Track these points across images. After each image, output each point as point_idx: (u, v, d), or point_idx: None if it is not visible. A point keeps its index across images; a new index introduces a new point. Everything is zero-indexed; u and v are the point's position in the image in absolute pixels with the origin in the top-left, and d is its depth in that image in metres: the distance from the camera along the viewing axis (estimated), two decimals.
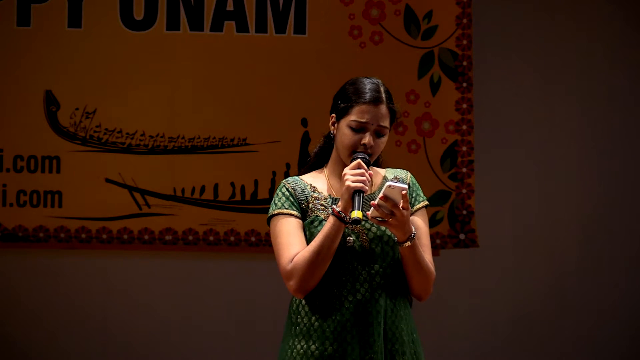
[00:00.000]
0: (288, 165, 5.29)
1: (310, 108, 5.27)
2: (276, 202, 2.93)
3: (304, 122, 5.30)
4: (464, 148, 5.31)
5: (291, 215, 2.90)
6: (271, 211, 2.93)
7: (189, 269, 5.36)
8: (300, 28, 5.32)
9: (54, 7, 5.25)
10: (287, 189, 2.94)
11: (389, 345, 2.87)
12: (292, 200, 2.92)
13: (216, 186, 5.28)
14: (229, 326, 5.37)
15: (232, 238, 5.26)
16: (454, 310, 5.50)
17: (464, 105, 5.31)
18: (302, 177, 3.01)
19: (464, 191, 5.30)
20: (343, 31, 5.32)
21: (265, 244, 5.25)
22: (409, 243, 2.81)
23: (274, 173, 5.29)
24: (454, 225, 5.29)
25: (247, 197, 5.28)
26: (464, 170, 5.31)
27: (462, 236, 5.29)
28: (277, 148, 5.29)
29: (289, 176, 5.20)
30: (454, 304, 5.48)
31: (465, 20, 5.33)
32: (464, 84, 5.32)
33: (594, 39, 5.62)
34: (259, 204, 5.27)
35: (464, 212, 5.29)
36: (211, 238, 5.26)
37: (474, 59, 5.34)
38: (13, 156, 5.23)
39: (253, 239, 5.26)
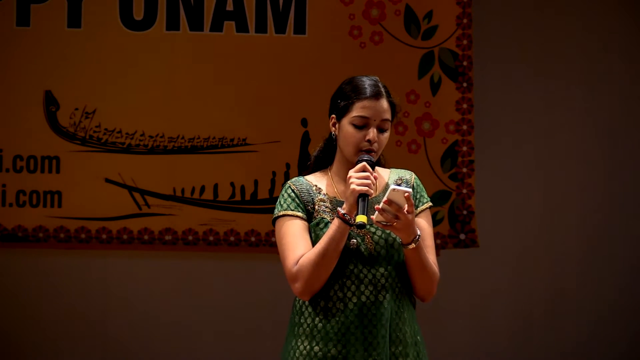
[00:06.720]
0: (288, 166, 5.29)
1: (310, 108, 5.26)
2: (282, 203, 2.91)
3: (304, 122, 5.29)
4: (465, 148, 5.30)
5: (297, 217, 2.88)
6: (276, 212, 2.91)
7: (189, 269, 5.35)
8: (300, 28, 5.31)
9: (53, 7, 5.24)
10: (293, 190, 2.92)
11: (392, 347, 2.86)
12: (298, 201, 2.90)
13: (216, 186, 5.27)
14: (228, 326, 5.37)
15: (232, 238, 5.25)
16: (454, 310, 5.50)
17: (464, 105, 5.31)
18: (306, 177, 2.98)
19: (465, 191, 5.29)
20: (343, 31, 5.32)
21: (265, 244, 5.24)
22: (413, 245, 2.80)
23: (273, 173, 5.29)
24: (455, 225, 5.29)
25: (247, 197, 5.27)
26: (465, 170, 5.30)
27: (462, 236, 5.28)
28: (277, 148, 5.28)
29: (289, 176, 5.27)
30: (454, 304, 5.47)
31: (465, 20, 5.32)
32: (464, 84, 5.31)
33: (595, 38, 5.61)
34: (258, 204, 5.27)
35: (465, 212, 5.28)
36: (211, 238, 5.25)
37: (474, 59, 5.33)
38: (12, 156, 5.22)
39: (253, 239, 5.25)
